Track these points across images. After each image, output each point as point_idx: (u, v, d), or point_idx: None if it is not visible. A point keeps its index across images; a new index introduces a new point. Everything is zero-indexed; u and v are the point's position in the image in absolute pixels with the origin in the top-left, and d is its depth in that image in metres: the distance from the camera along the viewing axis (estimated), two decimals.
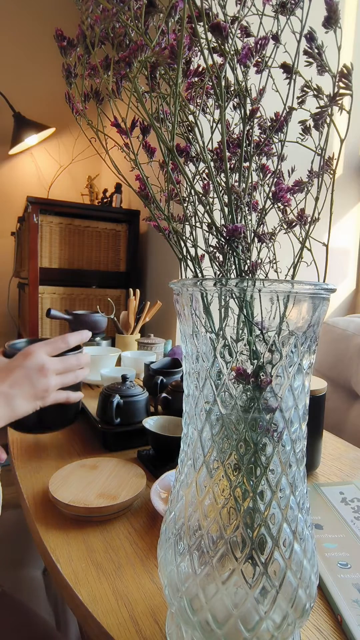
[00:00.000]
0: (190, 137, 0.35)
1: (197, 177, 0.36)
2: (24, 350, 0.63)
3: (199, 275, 0.36)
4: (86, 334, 0.69)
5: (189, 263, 0.36)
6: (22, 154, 2.38)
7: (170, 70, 0.31)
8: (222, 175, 0.34)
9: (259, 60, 0.33)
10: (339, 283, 1.71)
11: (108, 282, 1.84)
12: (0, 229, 2.35)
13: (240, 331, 0.32)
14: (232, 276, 0.34)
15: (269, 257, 0.36)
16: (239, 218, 0.33)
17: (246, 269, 0.33)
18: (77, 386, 0.72)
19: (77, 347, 0.72)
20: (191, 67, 0.33)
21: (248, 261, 0.33)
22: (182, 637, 0.34)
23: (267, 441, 0.31)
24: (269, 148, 0.35)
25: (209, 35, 0.30)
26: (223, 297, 0.31)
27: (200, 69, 0.33)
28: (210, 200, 0.35)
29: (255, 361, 0.31)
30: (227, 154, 0.34)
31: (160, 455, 0.69)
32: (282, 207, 0.35)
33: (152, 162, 0.37)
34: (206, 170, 0.34)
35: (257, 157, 0.35)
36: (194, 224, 0.37)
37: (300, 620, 0.32)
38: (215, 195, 0.34)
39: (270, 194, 0.34)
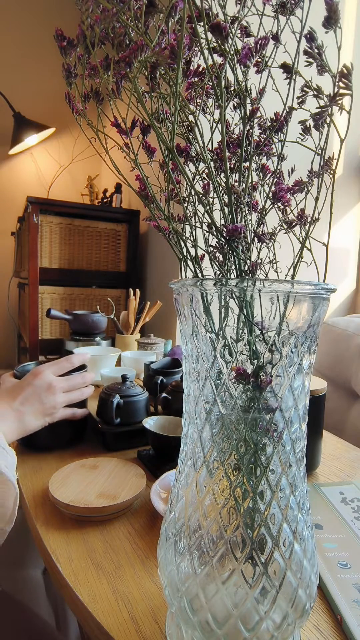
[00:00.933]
0: (190, 137, 0.35)
1: (197, 177, 0.36)
2: (32, 371, 0.69)
3: (199, 275, 0.36)
4: (87, 356, 0.79)
5: (189, 263, 0.36)
6: (22, 154, 2.38)
7: (170, 70, 0.31)
8: (222, 175, 0.34)
9: (259, 60, 0.33)
10: (339, 283, 1.71)
11: (108, 282, 1.84)
12: (0, 229, 2.35)
13: (240, 331, 0.32)
14: (232, 276, 0.34)
15: (269, 257, 0.36)
16: (239, 218, 0.33)
17: (246, 269, 0.33)
18: (82, 403, 0.76)
19: (82, 367, 0.79)
20: (191, 67, 0.33)
21: (248, 261, 0.33)
22: (182, 637, 0.34)
23: (267, 441, 0.31)
24: (269, 148, 0.35)
25: (209, 35, 0.30)
26: (223, 297, 0.31)
27: (200, 69, 0.33)
28: (210, 200, 0.35)
29: (255, 361, 0.31)
30: (227, 154, 0.34)
31: (160, 455, 0.69)
32: (282, 207, 0.35)
33: (152, 162, 0.37)
34: (206, 170, 0.34)
35: (257, 157, 0.35)
36: (194, 224, 0.37)
37: (300, 620, 0.32)
38: (215, 195, 0.34)
39: (270, 194, 0.34)
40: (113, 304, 1.47)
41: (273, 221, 0.36)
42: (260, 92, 0.34)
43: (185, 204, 0.36)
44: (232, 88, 0.33)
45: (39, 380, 0.66)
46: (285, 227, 0.35)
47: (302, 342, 0.31)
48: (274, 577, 0.30)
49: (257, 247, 0.35)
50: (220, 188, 0.34)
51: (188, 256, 0.36)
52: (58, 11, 2.28)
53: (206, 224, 0.36)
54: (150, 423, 0.70)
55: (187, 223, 0.37)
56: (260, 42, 0.32)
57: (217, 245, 0.34)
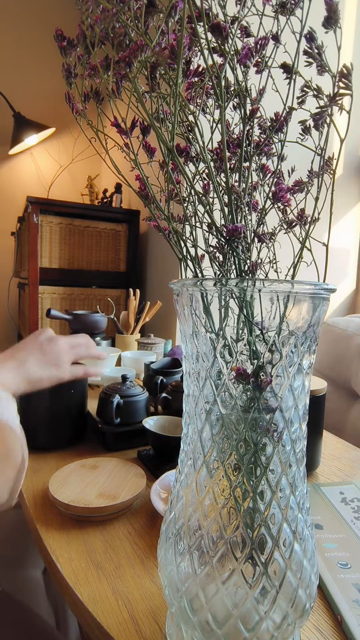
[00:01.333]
0: (190, 137, 0.35)
1: (197, 177, 0.36)
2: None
3: (199, 275, 0.36)
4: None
5: (189, 263, 0.36)
6: (22, 154, 2.38)
7: (170, 70, 0.31)
8: (222, 175, 0.34)
9: (259, 60, 0.33)
10: (339, 283, 1.71)
11: (108, 282, 1.84)
12: (0, 229, 2.35)
13: (240, 331, 0.32)
14: (232, 276, 0.34)
15: (269, 257, 0.36)
16: (239, 218, 0.33)
17: (246, 269, 0.33)
18: (83, 400, 0.77)
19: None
20: (191, 67, 0.33)
21: (248, 261, 0.33)
22: (182, 637, 0.34)
23: (267, 441, 0.31)
24: (269, 148, 0.35)
25: (209, 35, 0.30)
26: (223, 297, 0.31)
27: (200, 69, 0.33)
28: (210, 200, 0.35)
29: (255, 361, 0.31)
30: (227, 154, 0.34)
31: (160, 455, 0.69)
32: (282, 207, 0.35)
33: (152, 162, 0.37)
34: (206, 170, 0.34)
35: (257, 157, 0.35)
36: (194, 224, 0.37)
37: (300, 620, 0.32)
38: (215, 195, 0.34)
39: (270, 194, 0.34)
40: (113, 304, 1.47)
41: (273, 221, 0.36)
42: (260, 92, 0.34)
43: (185, 204, 0.36)
44: (232, 88, 0.33)
45: (41, 335, 0.67)
46: (285, 227, 0.35)
47: (302, 342, 0.31)
48: (274, 577, 0.30)
49: (257, 247, 0.34)
50: (220, 188, 0.34)
51: (188, 256, 0.36)
52: (58, 11, 2.28)
53: (206, 224, 0.36)
54: (150, 423, 0.70)
55: (187, 223, 0.37)
56: (260, 42, 0.32)
57: (217, 245, 0.34)
